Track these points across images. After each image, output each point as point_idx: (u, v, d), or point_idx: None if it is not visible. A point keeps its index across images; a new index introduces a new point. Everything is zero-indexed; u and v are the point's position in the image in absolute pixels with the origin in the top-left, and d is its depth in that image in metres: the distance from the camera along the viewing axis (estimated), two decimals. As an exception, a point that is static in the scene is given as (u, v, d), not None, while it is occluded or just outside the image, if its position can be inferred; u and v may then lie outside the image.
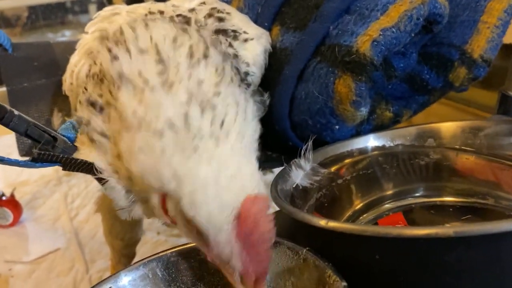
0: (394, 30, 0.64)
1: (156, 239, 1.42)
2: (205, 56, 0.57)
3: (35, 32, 3.41)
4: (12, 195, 1.53)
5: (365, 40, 0.64)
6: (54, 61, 1.03)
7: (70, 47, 0.99)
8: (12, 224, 1.50)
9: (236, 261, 0.47)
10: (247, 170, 0.51)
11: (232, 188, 0.48)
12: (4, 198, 1.51)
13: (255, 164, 0.53)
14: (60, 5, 3.43)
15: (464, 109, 1.42)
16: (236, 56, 0.69)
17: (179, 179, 0.48)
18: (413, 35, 0.67)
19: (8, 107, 0.58)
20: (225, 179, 0.48)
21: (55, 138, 0.63)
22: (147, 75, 0.54)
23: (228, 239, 0.47)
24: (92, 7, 3.33)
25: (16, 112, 0.58)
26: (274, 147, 0.87)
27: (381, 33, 0.63)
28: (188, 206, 0.48)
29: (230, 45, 0.69)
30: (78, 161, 0.61)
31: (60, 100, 0.93)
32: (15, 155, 0.77)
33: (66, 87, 0.85)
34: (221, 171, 0.49)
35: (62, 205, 1.61)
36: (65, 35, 3.48)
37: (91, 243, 1.41)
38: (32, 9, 3.32)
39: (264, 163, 0.81)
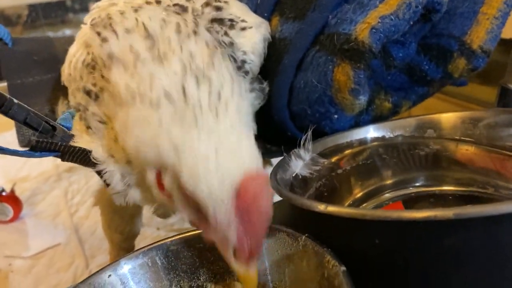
0: (392, 17, 0.64)
1: (156, 234, 1.41)
2: (195, 32, 0.57)
3: (35, 30, 3.41)
4: (12, 191, 1.53)
5: (364, 27, 0.64)
6: (55, 56, 1.03)
7: (70, 42, 1.00)
8: (12, 220, 1.50)
9: (232, 235, 0.47)
10: (247, 145, 0.51)
11: (232, 162, 0.47)
12: (4, 193, 1.50)
13: (253, 139, 0.53)
14: (60, 3, 3.43)
15: (464, 105, 1.42)
16: (231, 44, 0.68)
17: (179, 152, 0.48)
18: (411, 23, 0.67)
19: (7, 95, 0.58)
20: (226, 153, 0.48)
21: (54, 128, 0.63)
22: (137, 49, 0.54)
23: (227, 213, 0.46)
24: (92, 6, 3.33)
25: (15, 101, 0.58)
26: (273, 140, 0.87)
27: (380, 21, 0.63)
28: (188, 179, 0.47)
29: (226, 33, 0.69)
30: (77, 149, 0.61)
31: (61, 94, 0.93)
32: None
33: (64, 78, 0.85)
34: (221, 145, 0.48)
35: (62, 201, 1.61)
36: (66, 33, 3.48)
37: (91, 239, 1.41)
38: (32, 7, 3.31)
39: (263, 155, 0.81)
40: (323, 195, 0.69)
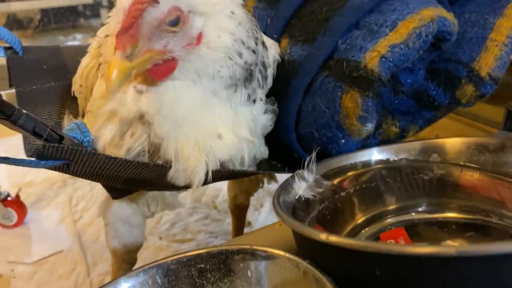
0: (402, 46, 0.64)
1: (158, 244, 1.42)
2: None
3: (46, 34, 3.45)
4: (17, 196, 1.54)
5: (374, 56, 0.64)
6: (63, 65, 1.04)
7: (79, 51, 1.01)
8: (16, 225, 1.52)
9: (117, 20, 0.56)
10: None
11: None
12: (9, 198, 1.52)
13: None
14: (72, 8, 3.47)
15: (471, 124, 1.42)
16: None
17: None
18: (421, 52, 0.67)
19: (16, 106, 0.59)
20: None
21: (61, 137, 0.64)
22: None
23: (125, 4, 0.56)
24: (104, 11, 3.37)
25: (24, 111, 0.59)
26: (280, 158, 0.87)
27: (390, 50, 0.64)
28: None
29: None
30: (84, 151, 0.62)
31: (69, 103, 0.94)
32: (21, 155, 0.78)
33: (75, 88, 0.86)
34: None
35: (66, 207, 1.62)
36: (76, 38, 3.52)
37: (94, 246, 1.42)
38: (44, 12, 3.35)
39: (270, 168, 0.81)
40: (326, 218, 0.69)
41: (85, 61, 0.83)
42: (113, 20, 0.72)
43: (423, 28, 0.65)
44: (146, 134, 0.67)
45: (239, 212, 1.20)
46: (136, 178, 0.76)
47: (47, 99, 0.96)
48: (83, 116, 0.88)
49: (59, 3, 3.29)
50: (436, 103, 0.81)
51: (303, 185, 0.70)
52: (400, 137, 0.82)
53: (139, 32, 0.58)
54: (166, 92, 0.64)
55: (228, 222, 1.48)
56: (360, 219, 0.73)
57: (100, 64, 0.74)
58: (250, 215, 1.48)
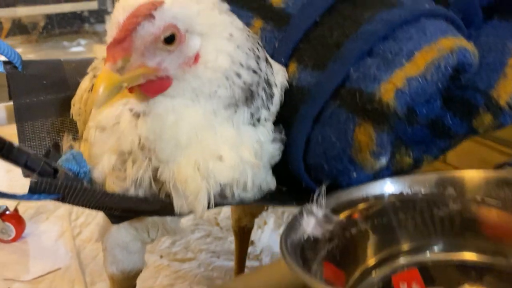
0: (420, 79, 0.60)
1: (158, 263, 1.38)
2: None
3: (51, 39, 3.43)
4: (15, 210, 1.51)
5: (389, 88, 0.60)
6: (64, 80, 1.02)
7: (81, 66, 0.98)
8: (14, 240, 1.48)
9: (111, 29, 0.55)
10: None
11: None
12: (7, 212, 1.49)
13: None
14: (77, 14, 3.46)
15: (491, 146, 1.36)
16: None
17: None
18: (439, 85, 0.63)
19: (6, 139, 0.56)
20: None
21: (56, 170, 0.61)
22: None
23: (119, 18, 0.55)
24: (109, 18, 3.35)
25: (15, 144, 0.56)
26: (287, 183, 0.83)
27: (406, 82, 0.60)
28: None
29: None
30: (78, 187, 0.59)
31: (69, 121, 0.91)
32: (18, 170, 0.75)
33: (74, 111, 0.83)
34: None
35: (65, 221, 1.59)
36: (81, 43, 3.51)
37: (92, 264, 1.38)
38: (49, 17, 3.34)
39: (274, 196, 0.77)
40: (335, 258, 0.65)
41: (84, 84, 0.80)
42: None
43: (442, 60, 0.62)
44: (147, 159, 0.64)
45: (243, 234, 1.16)
46: (136, 209, 0.73)
47: (46, 114, 0.93)
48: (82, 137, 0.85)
49: (64, 9, 3.28)
50: (452, 132, 0.77)
51: (312, 221, 0.66)
52: (413, 168, 0.78)
53: (132, 46, 0.55)
54: (166, 114, 0.62)
55: (230, 241, 1.44)
56: (371, 258, 0.69)
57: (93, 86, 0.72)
58: (253, 234, 1.44)
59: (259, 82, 0.67)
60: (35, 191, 0.57)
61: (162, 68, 0.58)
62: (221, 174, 0.64)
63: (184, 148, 0.62)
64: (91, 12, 3.42)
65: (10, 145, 0.55)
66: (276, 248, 1.41)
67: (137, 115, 0.63)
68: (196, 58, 0.60)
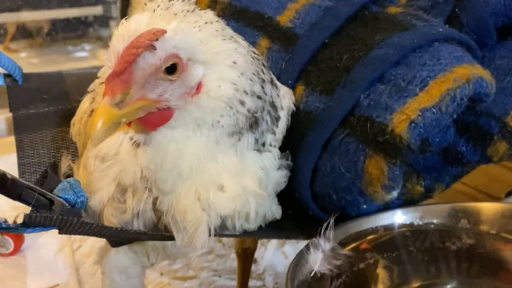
0: (434, 111, 0.57)
1: (158, 280, 1.35)
2: None
3: (55, 44, 3.42)
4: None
5: (402, 119, 0.57)
6: (65, 94, 1.00)
7: (82, 79, 0.95)
8: (12, 253, 1.45)
9: (109, 64, 0.52)
10: None
11: (148, 25, 0.54)
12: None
13: None
14: (81, 20, 3.45)
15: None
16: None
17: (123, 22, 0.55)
18: (455, 116, 0.60)
19: (1, 170, 0.53)
20: (151, 21, 0.55)
21: (51, 202, 0.58)
22: None
23: (118, 48, 0.52)
24: (113, 23, 3.34)
25: (9, 176, 0.54)
26: (293, 209, 0.80)
27: (420, 114, 0.57)
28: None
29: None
30: (75, 221, 0.56)
31: (69, 137, 0.88)
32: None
33: (73, 131, 0.81)
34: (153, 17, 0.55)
35: (65, 235, 1.56)
36: (85, 48, 3.49)
37: (91, 280, 1.35)
38: (53, 22, 3.33)
39: (280, 222, 0.74)
40: (343, 296, 0.62)
41: (84, 105, 0.78)
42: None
43: (458, 90, 0.58)
44: (147, 190, 0.61)
45: (246, 256, 1.13)
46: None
47: (45, 127, 0.91)
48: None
49: (68, 14, 3.27)
50: (465, 159, 0.74)
51: (319, 256, 0.63)
52: (425, 197, 0.75)
53: (132, 78, 0.52)
54: (167, 144, 0.59)
55: (233, 258, 1.40)
56: (380, 295, 0.66)
57: (92, 111, 0.69)
58: (256, 252, 1.41)
59: (264, 107, 0.64)
60: (29, 225, 0.55)
61: (163, 99, 0.55)
62: (222, 206, 0.61)
63: (186, 179, 0.59)
64: (95, 17, 3.40)
65: (3, 176, 0.53)
66: (280, 267, 1.37)
67: (137, 145, 0.60)
68: (199, 87, 0.57)
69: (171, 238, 0.62)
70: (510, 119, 0.73)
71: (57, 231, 0.58)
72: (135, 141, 0.60)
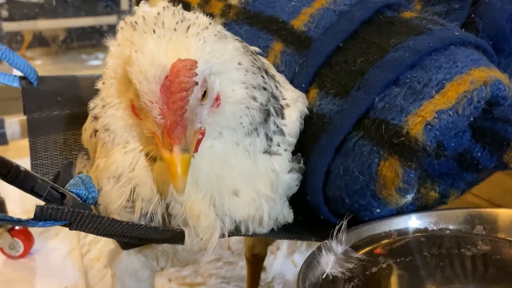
0: (451, 113, 0.56)
1: (167, 286, 1.34)
2: None
3: (69, 52, 3.48)
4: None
5: (417, 121, 0.57)
6: (79, 97, 1.00)
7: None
8: (22, 256, 1.45)
9: (156, 112, 0.52)
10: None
11: (167, 54, 0.52)
12: (16, 227, 1.46)
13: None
14: (96, 29, 3.50)
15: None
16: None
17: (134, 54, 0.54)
18: (471, 119, 0.59)
19: (14, 162, 0.54)
20: (164, 47, 0.53)
21: (63, 195, 0.58)
22: None
23: (153, 88, 0.52)
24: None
25: (22, 168, 0.54)
26: (304, 213, 0.79)
27: (436, 116, 0.56)
28: (129, 69, 0.54)
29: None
30: (86, 214, 0.56)
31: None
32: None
33: (85, 138, 0.80)
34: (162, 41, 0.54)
35: (75, 238, 1.56)
36: (99, 57, 3.54)
37: (100, 284, 1.35)
38: (68, 31, 3.39)
39: (292, 229, 0.73)
40: (356, 300, 0.61)
41: (87, 124, 0.77)
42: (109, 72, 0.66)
43: (475, 93, 0.58)
44: (158, 194, 0.61)
45: (255, 262, 1.12)
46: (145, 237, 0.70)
47: (59, 129, 0.92)
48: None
49: (84, 22, 3.32)
50: (481, 166, 0.73)
51: (331, 258, 0.62)
52: (439, 203, 0.74)
53: (187, 119, 0.53)
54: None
55: (241, 266, 1.39)
56: (393, 301, 0.64)
57: (96, 131, 0.67)
58: (265, 260, 1.40)
59: (269, 98, 0.66)
60: (40, 218, 0.55)
61: (202, 123, 0.56)
62: (237, 211, 0.61)
63: (202, 187, 0.60)
64: (110, 26, 3.45)
65: (17, 168, 0.53)
66: (289, 276, 1.35)
67: (153, 160, 0.60)
68: (217, 97, 0.58)
69: (182, 236, 0.62)
70: (527, 126, 0.72)
71: (67, 234, 0.58)
72: (151, 156, 0.61)
